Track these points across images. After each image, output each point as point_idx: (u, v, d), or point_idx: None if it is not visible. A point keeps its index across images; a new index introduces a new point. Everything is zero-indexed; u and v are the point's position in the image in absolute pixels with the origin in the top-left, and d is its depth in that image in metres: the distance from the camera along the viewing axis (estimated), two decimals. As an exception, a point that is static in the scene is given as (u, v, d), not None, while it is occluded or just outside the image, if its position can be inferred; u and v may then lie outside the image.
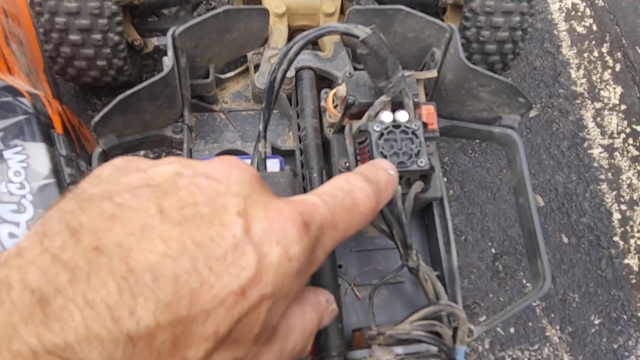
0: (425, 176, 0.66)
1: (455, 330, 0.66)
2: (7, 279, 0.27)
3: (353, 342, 0.68)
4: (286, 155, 0.84)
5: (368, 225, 0.80)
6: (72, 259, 0.27)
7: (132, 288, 0.27)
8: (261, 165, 0.66)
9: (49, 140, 0.85)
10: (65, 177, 0.84)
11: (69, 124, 0.94)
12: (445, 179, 1.52)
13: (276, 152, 0.84)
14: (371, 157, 0.63)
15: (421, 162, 0.63)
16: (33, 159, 0.82)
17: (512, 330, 1.38)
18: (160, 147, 1.07)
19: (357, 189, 0.40)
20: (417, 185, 0.66)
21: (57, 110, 0.92)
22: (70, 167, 0.86)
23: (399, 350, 0.62)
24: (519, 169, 0.78)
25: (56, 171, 0.83)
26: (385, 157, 0.62)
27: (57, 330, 0.26)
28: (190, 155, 0.82)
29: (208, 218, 0.31)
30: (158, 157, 1.40)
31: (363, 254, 0.80)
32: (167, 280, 0.28)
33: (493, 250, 1.46)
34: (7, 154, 0.83)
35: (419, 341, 0.61)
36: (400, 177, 0.64)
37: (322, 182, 0.74)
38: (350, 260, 0.80)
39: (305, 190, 0.77)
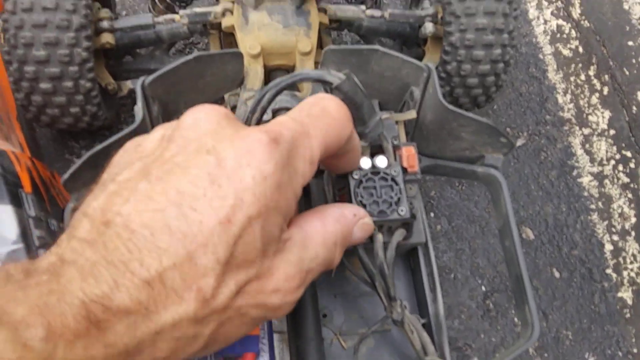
0: (407, 223, 0.64)
1: (443, 384, 0.63)
2: (52, 261, 0.34)
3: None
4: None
5: (351, 275, 0.77)
6: (90, 236, 0.34)
7: (138, 245, 0.33)
8: None
9: (16, 200, 0.83)
10: (35, 240, 0.83)
11: (38, 179, 0.91)
12: (432, 214, 1.49)
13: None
14: None
15: (402, 210, 0.61)
16: (0, 222, 0.79)
17: (506, 370, 1.35)
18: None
19: (326, 99, 0.44)
20: (399, 234, 0.63)
21: (26, 166, 0.89)
22: (40, 229, 0.84)
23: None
24: (503, 210, 0.76)
25: (24, 234, 0.81)
26: (364, 206, 0.60)
27: (93, 284, 0.32)
28: None
29: (184, 165, 0.36)
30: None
31: (348, 300, 0.78)
32: (162, 230, 0.34)
33: (483, 288, 1.43)
34: (-27, 218, 0.80)
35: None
36: (381, 226, 0.62)
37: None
38: (335, 307, 0.77)
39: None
